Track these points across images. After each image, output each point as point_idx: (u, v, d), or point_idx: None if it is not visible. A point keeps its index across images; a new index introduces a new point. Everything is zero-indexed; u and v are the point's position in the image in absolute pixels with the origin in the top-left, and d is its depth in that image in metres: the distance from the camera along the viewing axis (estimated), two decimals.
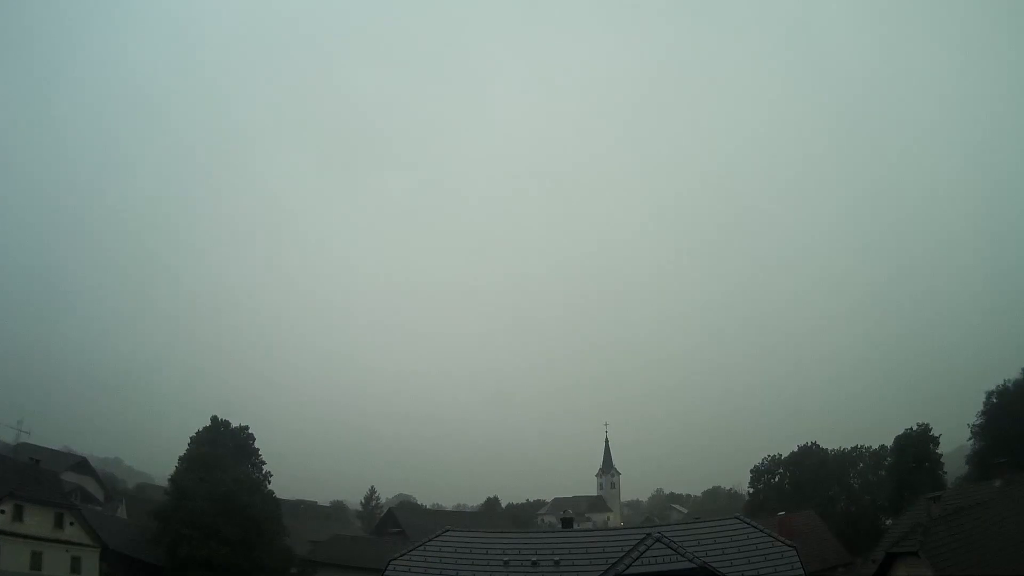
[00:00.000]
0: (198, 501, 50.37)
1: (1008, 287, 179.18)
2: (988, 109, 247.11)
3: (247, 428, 70.26)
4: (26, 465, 51.57)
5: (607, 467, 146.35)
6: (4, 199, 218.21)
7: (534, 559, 28.46)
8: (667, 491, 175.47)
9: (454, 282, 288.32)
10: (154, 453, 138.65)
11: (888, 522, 57.04)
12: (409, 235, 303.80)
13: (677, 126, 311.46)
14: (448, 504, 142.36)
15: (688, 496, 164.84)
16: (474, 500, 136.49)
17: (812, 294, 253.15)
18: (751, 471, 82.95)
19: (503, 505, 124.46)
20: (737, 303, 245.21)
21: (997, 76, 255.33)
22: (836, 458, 78.32)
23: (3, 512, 44.03)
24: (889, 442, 70.65)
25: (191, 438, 65.57)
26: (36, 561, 45.04)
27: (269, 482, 66.92)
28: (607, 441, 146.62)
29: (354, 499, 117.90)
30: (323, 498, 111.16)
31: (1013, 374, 60.92)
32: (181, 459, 60.26)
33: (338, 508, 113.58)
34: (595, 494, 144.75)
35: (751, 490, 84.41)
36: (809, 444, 78.51)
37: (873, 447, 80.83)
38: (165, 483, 64.63)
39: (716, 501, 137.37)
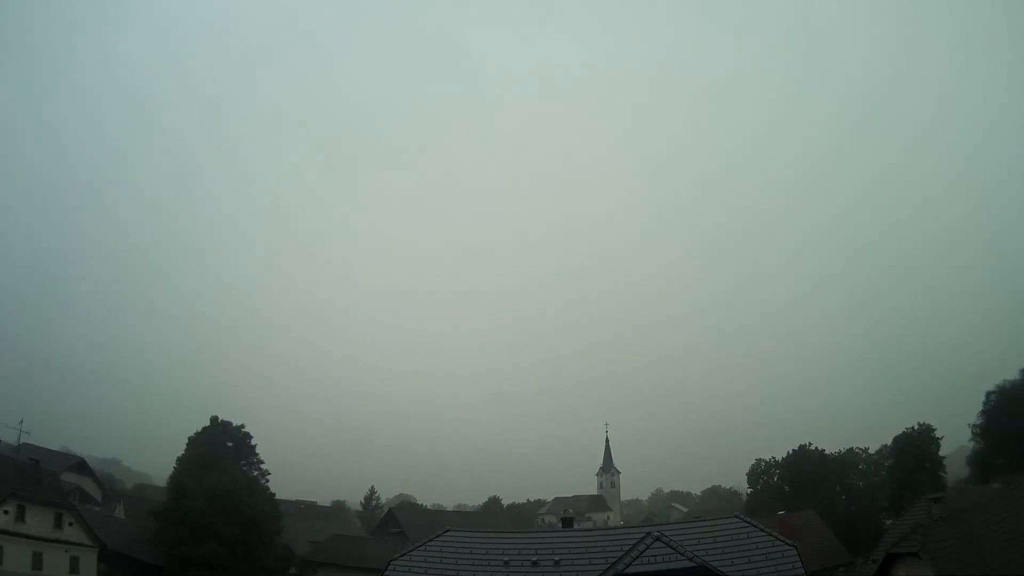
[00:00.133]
0: (197, 501, 50.39)
1: (1008, 287, 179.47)
2: (988, 109, 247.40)
3: (245, 428, 70.35)
4: (27, 465, 51.63)
5: (607, 466, 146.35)
6: (4, 199, 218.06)
7: (534, 559, 28.41)
8: (667, 490, 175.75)
9: (454, 281, 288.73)
10: (153, 454, 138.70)
11: (888, 522, 57.06)
12: (409, 234, 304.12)
13: (677, 126, 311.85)
14: (448, 504, 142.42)
15: (688, 495, 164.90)
16: (474, 500, 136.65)
17: (812, 294, 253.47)
18: (747, 472, 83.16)
19: (503, 505, 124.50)
20: (737, 303, 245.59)
21: (997, 76, 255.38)
22: (836, 458, 78.33)
23: (6, 512, 44.12)
24: (889, 442, 70.72)
25: (190, 438, 65.62)
26: (37, 561, 45.17)
27: (267, 482, 67.01)
28: (607, 440, 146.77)
29: (354, 499, 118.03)
30: (323, 498, 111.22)
31: (1013, 374, 61.01)
32: (179, 459, 60.31)
33: (338, 508, 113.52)
34: (595, 493, 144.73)
35: (750, 490, 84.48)
36: (807, 445, 78.51)
37: (872, 448, 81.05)
38: (164, 484, 64.68)
39: (716, 500, 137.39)
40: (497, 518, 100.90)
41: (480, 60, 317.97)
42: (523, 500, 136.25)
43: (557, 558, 28.28)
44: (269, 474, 69.22)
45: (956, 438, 68.36)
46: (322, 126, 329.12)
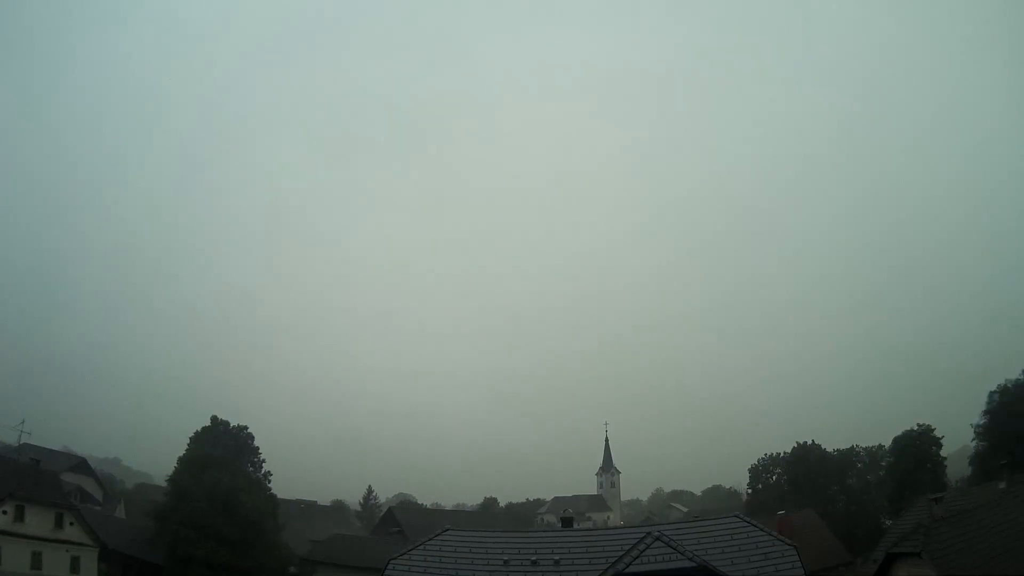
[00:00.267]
0: (197, 501, 50.40)
1: (1009, 287, 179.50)
2: (988, 109, 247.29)
3: (246, 428, 70.29)
4: (27, 465, 51.68)
5: (607, 466, 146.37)
6: (4, 199, 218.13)
7: (534, 558, 28.41)
8: (667, 490, 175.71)
9: (454, 281, 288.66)
10: (153, 453, 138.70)
11: (888, 522, 57.03)
12: (409, 233, 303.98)
13: (678, 126, 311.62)
14: (447, 504, 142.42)
15: (688, 495, 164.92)
16: (474, 500, 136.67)
17: (813, 294, 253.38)
18: (749, 470, 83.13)
19: (503, 504, 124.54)
20: (737, 303, 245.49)
21: (997, 76, 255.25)
22: (836, 458, 78.33)
23: (5, 512, 44.16)
24: (889, 442, 70.68)
25: (190, 438, 65.56)
26: (36, 561, 45.21)
27: (269, 482, 66.99)
28: (607, 440, 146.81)
29: (354, 499, 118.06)
30: (323, 498, 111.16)
31: (1015, 374, 60.93)
32: (180, 459, 60.30)
33: (338, 508, 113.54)
34: (595, 493, 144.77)
35: (749, 490, 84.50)
36: (807, 443, 78.52)
37: (872, 447, 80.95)
38: (164, 483, 64.65)
39: (716, 500, 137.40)
40: (497, 518, 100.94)
41: (483, 58, 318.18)
42: (522, 500, 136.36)
43: (557, 558, 28.28)
44: (271, 474, 69.22)
45: (958, 438, 68.30)
46: (322, 124, 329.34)
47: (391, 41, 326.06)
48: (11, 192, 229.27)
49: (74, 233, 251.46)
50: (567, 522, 39.32)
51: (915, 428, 65.01)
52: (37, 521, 45.82)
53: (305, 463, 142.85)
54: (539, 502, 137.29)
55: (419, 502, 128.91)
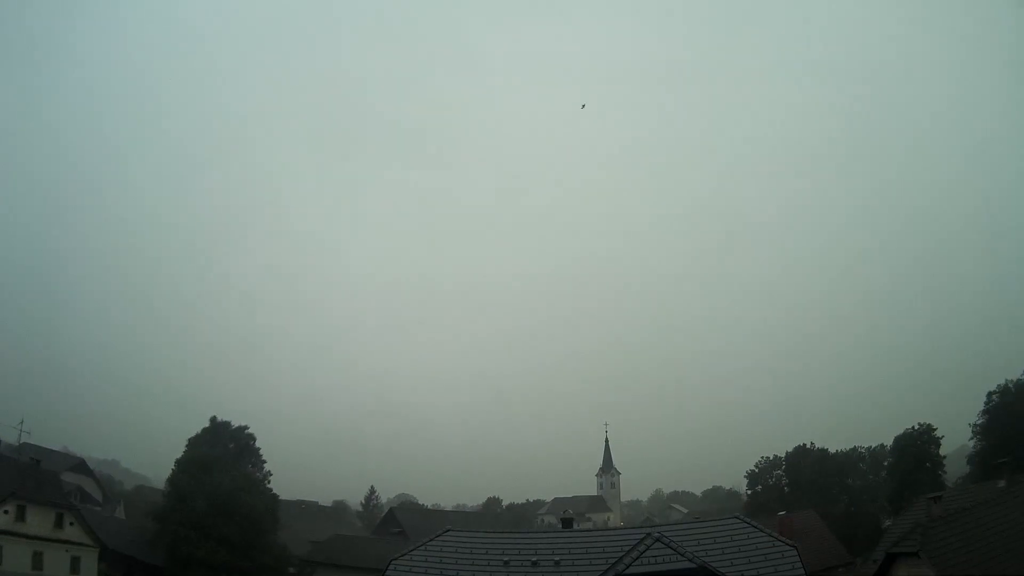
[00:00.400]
0: (197, 501, 50.46)
1: (1009, 287, 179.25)
2: (989, 109, 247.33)
3: (247, 428, 70.37)
4: (27, 466, 51.78)
5: (607, 467, 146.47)
6: (4, 199, 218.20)
7: (534, 559, 28.45)
8: (667, 491, 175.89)
9: (455, 282, 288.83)
10: (152, 455, 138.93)
11: (888, 522, 57.09)
12: (410, 235, 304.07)
13: (680, 129, 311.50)
14: (448, 504, 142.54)
15: (688, 496, 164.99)
16: (474, 500, 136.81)
17: (813, 295, 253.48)
18: (747, 473, 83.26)
19: (503, 505, 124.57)
20: (738, 304, 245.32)
21: (997, 76, 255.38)
22: (836, 458, 78.41)
23: (6, 512, 44.22)
24: (890, 442, 70.78)
25: (189, 439, 65.64)
26: (37, 561, 45.30)
27: (269, 482, 67.05)
28: (607, 441, 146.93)
29: (354, 499, 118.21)
30: (323, 498, 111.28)
31: (1014, 374, 61.11)
32: (179, 460, 60.38)
33: (338, 508, 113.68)
34: (595, 494, 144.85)
35: (750, 491, 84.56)
36: (806, 444, 78.63)
37: (873, 447, 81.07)
38: (162, 485, 64.75)
39: (716, 501, 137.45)
40: (497, 518, 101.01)
41: (484, 57, 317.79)
42: (523, 500, 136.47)
43: (557, 558, 28.32)
44: (271, 474, 69.30)
45: (957, 438, 68.45)
46: (322, 124, 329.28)
47: (392, 39, 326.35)
48: (11, 192, 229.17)
49: (74, 233, 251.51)
50: (567, 523, 39.36)
51: (915, 427, 65.16)
52: (38, 521, 45.92)
53: (306, 464, 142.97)
54: (539, 503, 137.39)
55: (420, 502, 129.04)
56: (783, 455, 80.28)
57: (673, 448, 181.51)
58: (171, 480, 57.52)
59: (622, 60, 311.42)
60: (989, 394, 61.02)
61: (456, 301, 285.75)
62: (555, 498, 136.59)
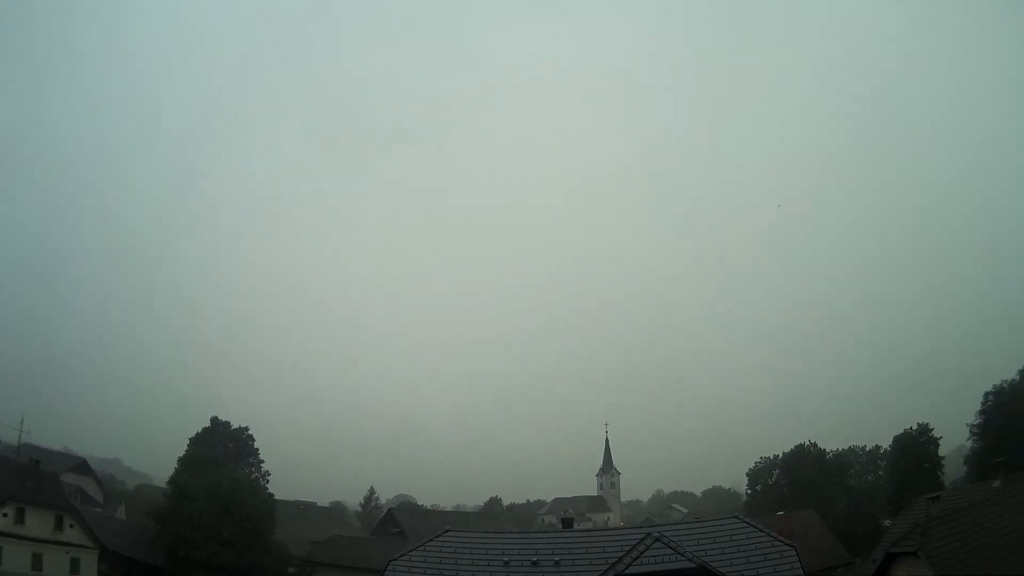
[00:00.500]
0: (197, 502, 50.50)
1: (1007, 288, 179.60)
2: (988, 109, 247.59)
3: (247, 429, 70.44)
4: (27, 467, 51.70)
5: (607, 467, 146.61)
6: (4, 199, 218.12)
7: (534, 559, 28.51)
8: (667, 491, 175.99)
9: (455, 282, 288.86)
10: (153, 454, 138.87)
11: (887, 522, 57.20)
12: (411, 235, 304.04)
13: (682, 131, 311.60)
14: (448, 504, 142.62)
15: (688, 496, 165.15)
16: (473, 500, 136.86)
17: (812, 295, 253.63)
18: (748, 472, 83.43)
19: (504, 505, 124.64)
20: (738, 304, 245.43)
21: (998, 76, 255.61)
22: (835, 458, 78.56)
23: (5, 515, 44.18)
24: (888, 443, 70.94)
25: (190, 439, 65.72)
26: (37, 562, 45.25)
27: (267, 482, 67.12)
28: (607, 441, 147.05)
29: (354, 499, 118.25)
30: (323, 499, 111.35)
31: (1011, 375, 61.24)
32: (180, 460, 60.45)
33: (338, 508, 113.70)
34: (595, 494, 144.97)
35: (749, 491, 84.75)
36: (805, 444, 78.76)
37: (871, 447, 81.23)
38: (164, 484, 64.79)
39: (716, 501, 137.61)
40: (499, 518, 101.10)
41: (486, 55, 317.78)
42: (523, 500, 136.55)
43: (557, 558, 28.38)
44: (269, 475, 69.37)
45: (955, 438, 68.65)
46: (323, 126, 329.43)
47: (392, 36, 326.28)
48: (11, 192, 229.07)
49: (74, 233, 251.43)
50: (567, 523, 39.44)
51: (914, 428, 65.31)
52: (37, 523, 45.89)
53: (305, 464, 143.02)
54: (539, 503, 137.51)
55: (419, 503, 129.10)
56: (783, 455, 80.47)
57: (673, 448, 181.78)
58: (172, 479, 57.61)
59: (622, 60, 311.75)
60: (986, 395, 61.20)
61: (456, 301, 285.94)
62: (555, 498, 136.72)
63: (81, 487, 68.95)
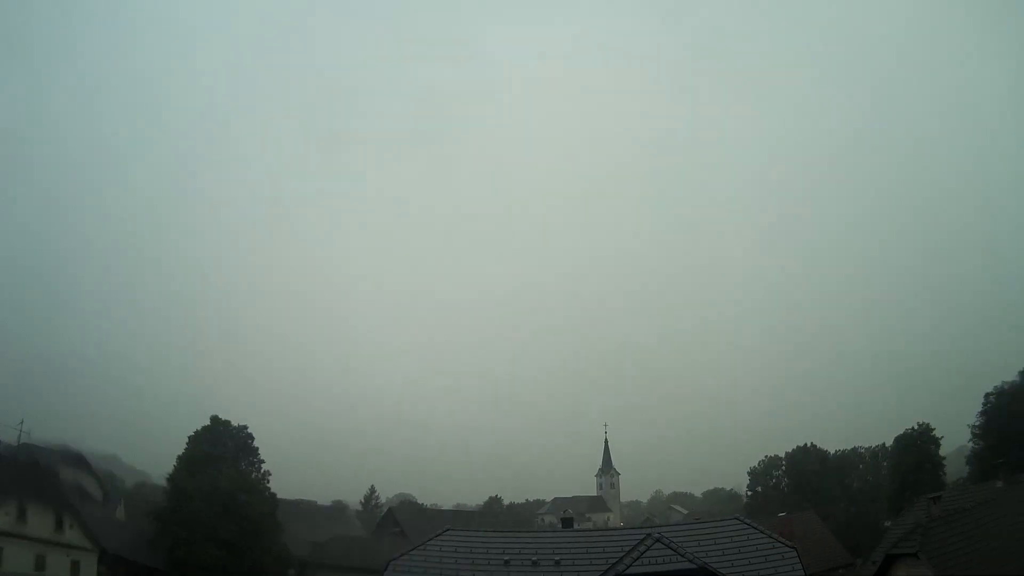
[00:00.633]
0: (196, 502, 50.39)
1: (1008, 289, 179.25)
2: (989, 110, 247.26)
3: (246, 428, 70.24)
4: (27, 466, 51.55)
5: (607, 467, 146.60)
6: (4, 199, 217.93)
7: (534, 559, 28.49)
8: (667, 492, 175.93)
9: (455, 283, 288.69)
10: (152, 452, 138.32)
11: (888, 523, 57.16)
12: (410, 236, 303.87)
13: (682, 129, 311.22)
14: (448, 504, 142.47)
15: (689, 497, 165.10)
16: (473, 500, 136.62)
17: (813, 296, 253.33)
18: (749, 472, 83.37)
19: (504, 505, 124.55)
20: (738, 305, 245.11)
21: (998, 77, 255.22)
22: (835, 459, 78.50)
23: (7, 514, 44.04)
24: (889, 443, 70.84)
25: (189, 437, 65.49)
26: (40, 562, 45.07)
27: (268, 482, 66.92)
28: (607, 441, 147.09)
29: (354, 499, 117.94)
30: (323, 498, 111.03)
31: (1012, 376, 61.18)
32: (179, 459, 60.28)
33: (338, 508, 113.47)
34: (595, 494, 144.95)
35: (749, 493, 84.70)
36: (806, 444, 78.72)
37: (873, 447, 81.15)
38: (163, 482, 64.67)
39: (717, 502, 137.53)
40: (499, 518, 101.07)
41: (489, 49, 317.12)
42: (522, 500, 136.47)
43: (557, 558, 28.36)
44: (270, 474, 69.17)
45: (955, 439, 68.58)
46: (324, 126, 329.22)
47: (392, 36, 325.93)
48: (11, 192, 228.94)
49: (74, 233, 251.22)
50: (567, 523, 39.46)
51: (915, 428, 65.24)
52: (38, 523, 45.70)
53: (305, 463, 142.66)
54: (539, 503, 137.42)
55: (419, 503, 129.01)
56: (784, 456, 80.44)
57: (673, 449, 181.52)
58: (172, 478, 57.46)
59: (622, 60, 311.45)
60: (987, 395, 61.14)
61: (456, 300, 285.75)
62: (555, 498, 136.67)
63: (81, 484, 68.81)
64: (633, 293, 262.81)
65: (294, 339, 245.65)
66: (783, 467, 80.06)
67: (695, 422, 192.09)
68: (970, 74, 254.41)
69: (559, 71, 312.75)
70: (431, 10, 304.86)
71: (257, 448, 70.28)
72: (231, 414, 71.21)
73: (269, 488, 63.89)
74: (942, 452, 64.43)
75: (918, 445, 63.51)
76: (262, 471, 68.78)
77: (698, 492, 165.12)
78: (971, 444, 63.58)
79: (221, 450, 64.09)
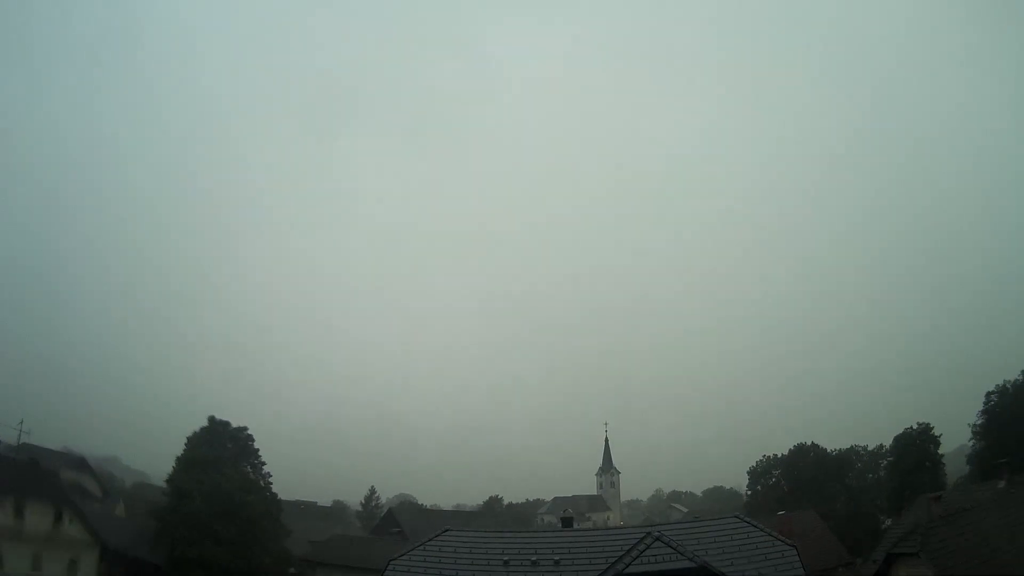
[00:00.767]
0: (195, 502, 50.35)
1: (1009, 288, 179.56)
2: (989, 110, 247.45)
3: (246, 429, 70.04)
4: (26, 464, 51.52)
5: (607, 466, 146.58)
6: (4, 199, 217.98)
7: (534, 558, 28.42)
8: (667, 491, 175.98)
9: (456, 284, 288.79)
10: (151, 453, 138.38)
11: (888, 522, 57.11)
12: (410, 236, 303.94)
13: (682, 130, 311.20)
14: (448, 504, 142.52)
15: (688, 496, 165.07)
16: (473, 500, 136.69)
17: (813, 297, 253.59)
18: (749, 471, 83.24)
19: (504, 505, 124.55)
20: (738, 305, 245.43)
21: (996, 76, 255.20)
22: (835, 458, 78.39)
23: (5, 512, 43.98)
24: (889, 442, 70.77)
25: (188, 438, 65.32)
26: (36, 560, 45.04)
27: (270, 483, 66.76)
28: (607, 440, 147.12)
29: (354, 499, 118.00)
30: (323, 498, 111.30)
31: (1013, 375, 61.05)
32: (178, 459, 60.16)
33: (338, 508, 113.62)
34: (595, 493, 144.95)
35: (749, 491, 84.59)
36: (806, 443, 78.62)
37: (872, 446, 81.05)
38: (162, 483, 64.60)
39: (716, 501, 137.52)
40: (499, 517, 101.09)
41: (487, 52, 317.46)
42: (523, 500, 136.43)
43: (557, 558, 28.29)
44: (271, 475, 69.02)
45: (956, 438, 68.51)
46: (326, 126, 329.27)
47: (392, 36, 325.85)
48: (11, 192, 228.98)
49: (74, 233, 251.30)
50: (567, 522, 39.38)
51: (915, 427, 65.17)
52: (37, 520, 45.65)
53: (305, 464, 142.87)
54: (539, 502, 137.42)
55: (419, 502, 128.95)
56: (784, 454, 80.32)
57: (673, 448, 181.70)
58: (171, 478, 57.38)
59: (621, 60, 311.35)
60: (988, 394, 61.02)
61: (457, 302, 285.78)
62: (555, 497, 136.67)
63: (80, 483, 68.84)
64: (634, 293, 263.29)
65: (294, 339, 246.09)
66: (783, 466, 79.94)
67: (695, 421, 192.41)
68: (970, 74, 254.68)
69: (559, 71, 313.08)
70: (431, 10, 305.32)
71: (258, 450, 70.13)
72: (231, 414, 71.14)
73: (271, 490, 63.82)
74: (941, 451, 64.38)
75: (918, 444, 63.43)
76: (263, 473, 68.72)
77: (698, 491, 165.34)
78: (971, 443, 63.47)
79: (220, 451, 63.93)
